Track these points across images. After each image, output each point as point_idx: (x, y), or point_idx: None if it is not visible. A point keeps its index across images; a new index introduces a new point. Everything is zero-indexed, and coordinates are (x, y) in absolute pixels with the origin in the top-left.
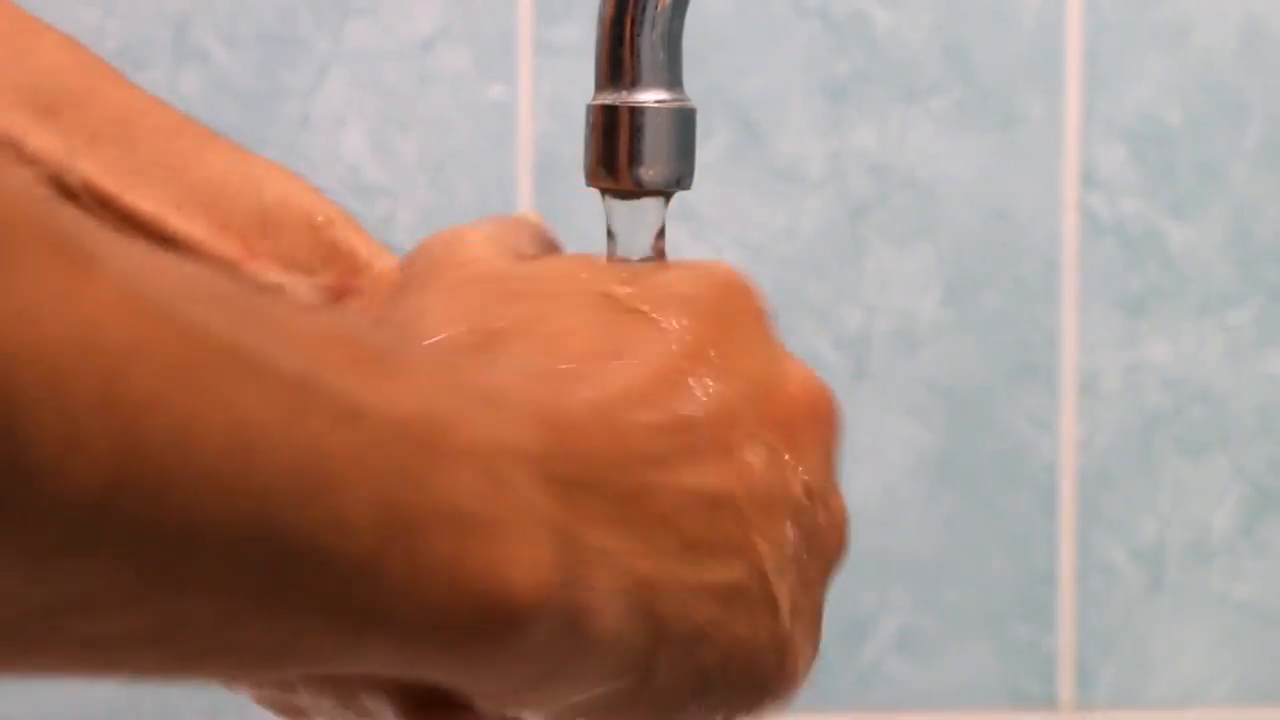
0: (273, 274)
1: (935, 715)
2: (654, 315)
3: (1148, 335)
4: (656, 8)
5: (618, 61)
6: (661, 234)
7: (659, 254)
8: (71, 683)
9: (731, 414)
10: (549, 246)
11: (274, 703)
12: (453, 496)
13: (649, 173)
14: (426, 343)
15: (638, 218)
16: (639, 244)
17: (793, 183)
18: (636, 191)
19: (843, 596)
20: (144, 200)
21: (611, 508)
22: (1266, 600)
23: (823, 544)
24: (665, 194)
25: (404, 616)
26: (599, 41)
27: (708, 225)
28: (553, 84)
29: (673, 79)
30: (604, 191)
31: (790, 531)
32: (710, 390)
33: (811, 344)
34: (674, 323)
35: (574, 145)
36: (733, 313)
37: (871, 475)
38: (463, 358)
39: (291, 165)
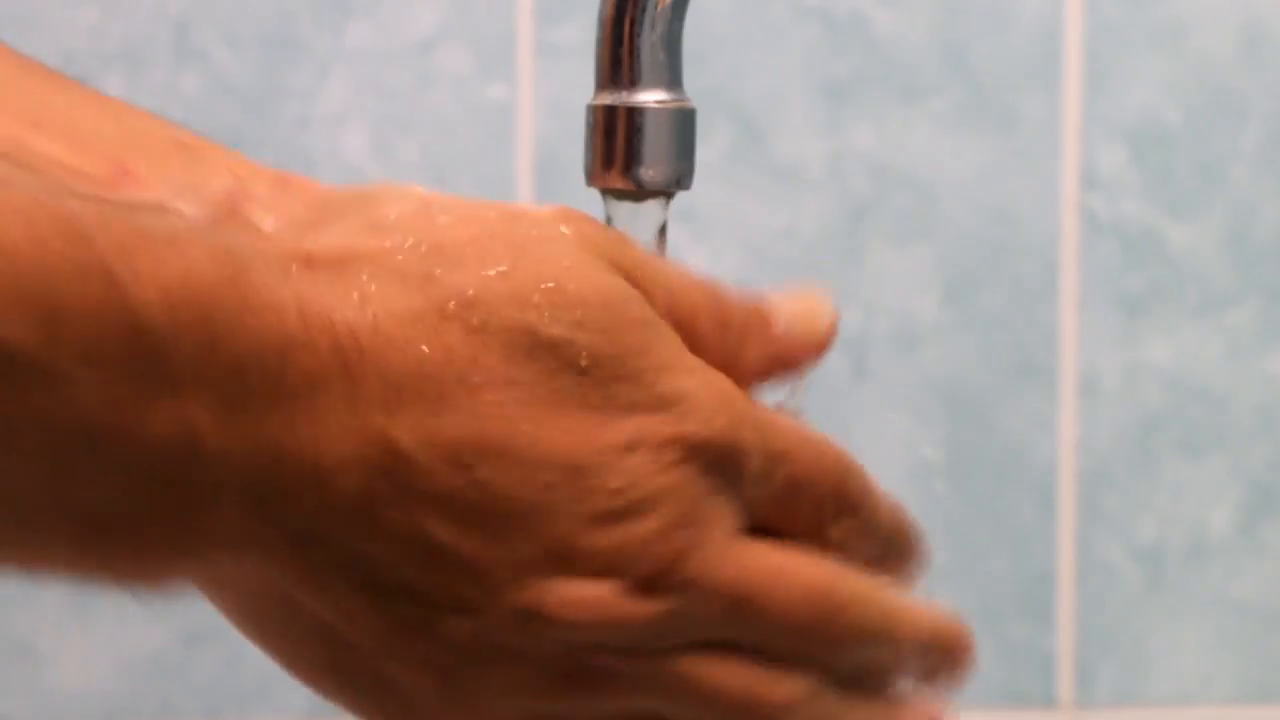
0: (150, 193)
1: None
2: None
3: (1148, 335)
4: (656, 8)
5: (618, 62)
6: (662, 234)
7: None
8: (72, 683)
9: None
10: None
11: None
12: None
13: (649, 173)
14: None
15: (638, 218)
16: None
17: (793, 183)
18: (637, 192)
19: None
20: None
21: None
22: (1266, 600)
23: None
24: (665, 194)
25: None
26: (599, 41)
27: (708, 225)
28: (553, 84)
29: (673, 79)
30: (604, 192)
31: None
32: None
33: None
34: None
35: (574, 145)
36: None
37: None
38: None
39: (291, 166)
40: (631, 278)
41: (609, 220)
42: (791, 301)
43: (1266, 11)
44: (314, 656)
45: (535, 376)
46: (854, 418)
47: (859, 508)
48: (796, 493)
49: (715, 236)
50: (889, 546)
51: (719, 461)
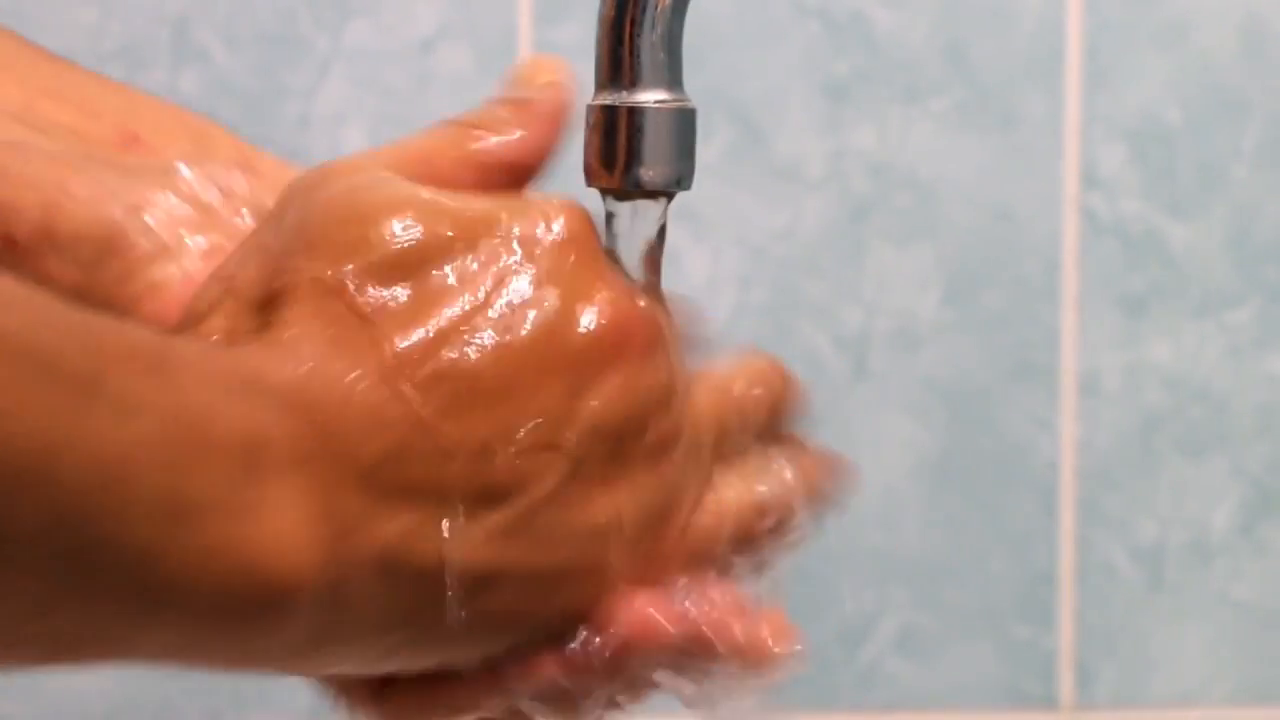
0: (157, 158)
1: (935, 715)
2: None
3: (1148, 335)
4: (656, 8)
5: (618, 61)
6: (662, 234)
7: (657, 257)
8: (72, 683)
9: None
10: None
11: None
12: (214, 487)
13: (649, 173)
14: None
15: (638, 218)
16: (639, 244)
17: (793, 183)
18: (637, 192)
19: (843, 596)
20: (9, 86)
21: (364, 478)
22: (1266, 600)
23: (615, 483)
24: (665, 194)
25: (184, 599)
26: (599, 41)
27: (708, 225)
28: None
29: (673, 79)
30: (604, 192)
31: (563, 468)
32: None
33: (811, 344)
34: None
35: (574, 145)
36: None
37: (871, 475)
38: (232, 350)
39: (291, 166)
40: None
41: (609, 220)
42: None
43: (1267, 11)
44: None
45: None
46: (854, 418)
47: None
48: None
49: (715, 236)
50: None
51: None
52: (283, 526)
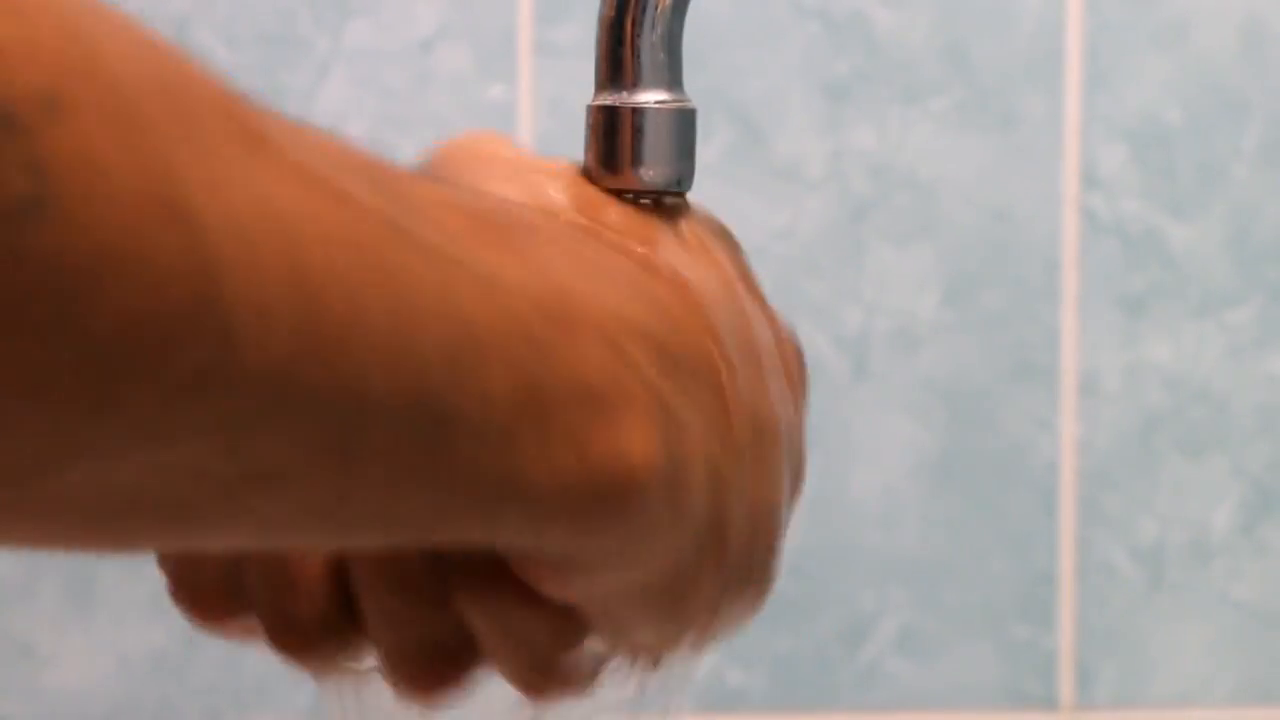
0: None
1: (935, 715)
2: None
3: (1148, 335)
4: (656, 8)
5: (618, 62)
6: None
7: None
8: (72, 683)
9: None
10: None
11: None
12: (580, 369)
13: (649, 173)
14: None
15: None
16: None
17: (793, 183)
18: (637, 192)
19: (843, 596)
20: None
21: (698, 388)
22: (1266, 600)
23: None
24: (665, 194)
25: (536, 486)
26: (599, 42)
27: None
28: (553, 84)
29: (673, 79)
30: (604, 192)
31: (795, 414)
32: (754, 314)
33: (811, 344)
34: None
35: (574, 145)
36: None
37: (871, 475)
38: (574, 232)
39: None
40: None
41: None
42: None
43: (1267, 11)
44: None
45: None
46: (854, 418)
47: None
48: None
49: None
50: None
51: None
52: (645, 417)
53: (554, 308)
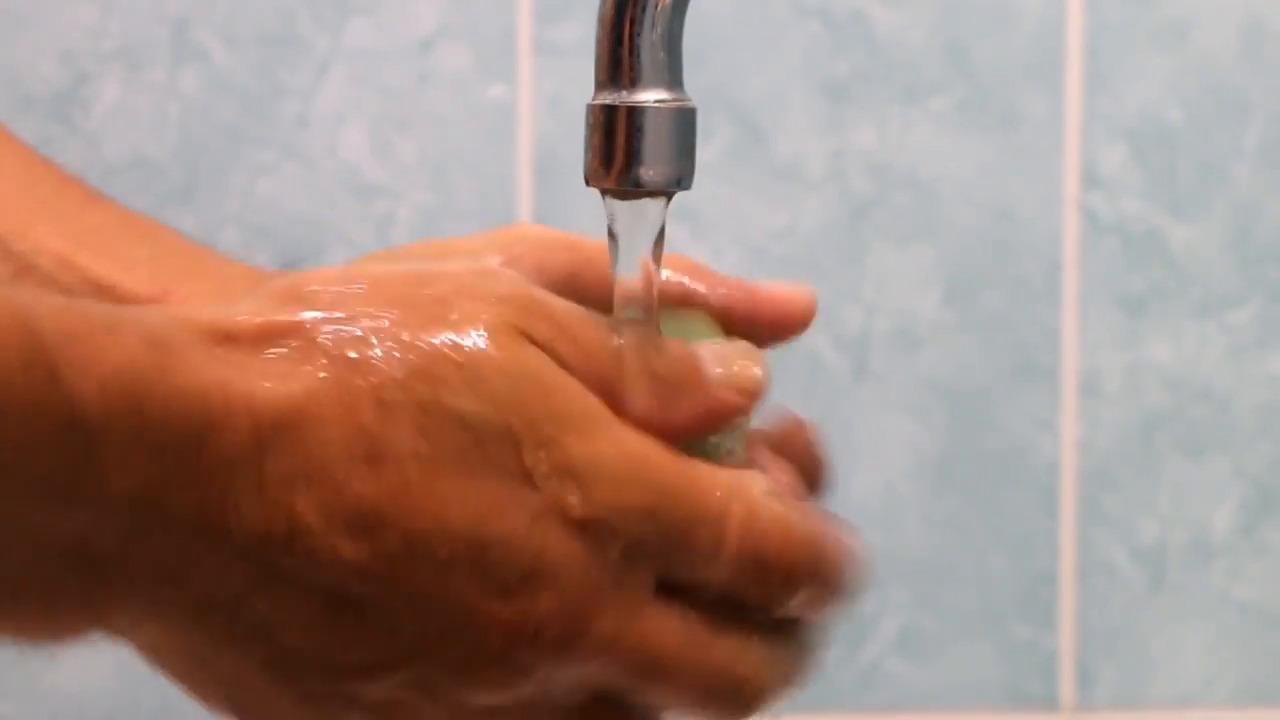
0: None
1: (935, 715)
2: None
3: (1148, 335)
4: (656, 8)
5: (618, 61)
6: (661, 234)
7: (656, 257)
8: (72, 683)
9: None
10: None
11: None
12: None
13: (649, 173)
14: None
15: (638, 218)
16: (639, 244)
17: (793, 183)
18: (637, 192)
19: None
20: (48, 234)
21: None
22: (1267, 601)
23: None
24: (666, 194)
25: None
26: (599, 41)
27: (708, 225)
28: (553, 84)
29: (673, 79)
30: (604, 192)
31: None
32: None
33: (811, 344)
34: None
35: (574, 145)
36: None
37: (871, 475)
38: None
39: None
40: (547, 340)
41: (610, 220)
42: (725, 350)
43: (1267, 10)
44: (220, 700)
45: (443, 450)
46: (854, 418)
47: (824, 582)
48: (750, 569)
49: (715, 236)
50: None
51: (630, 530)
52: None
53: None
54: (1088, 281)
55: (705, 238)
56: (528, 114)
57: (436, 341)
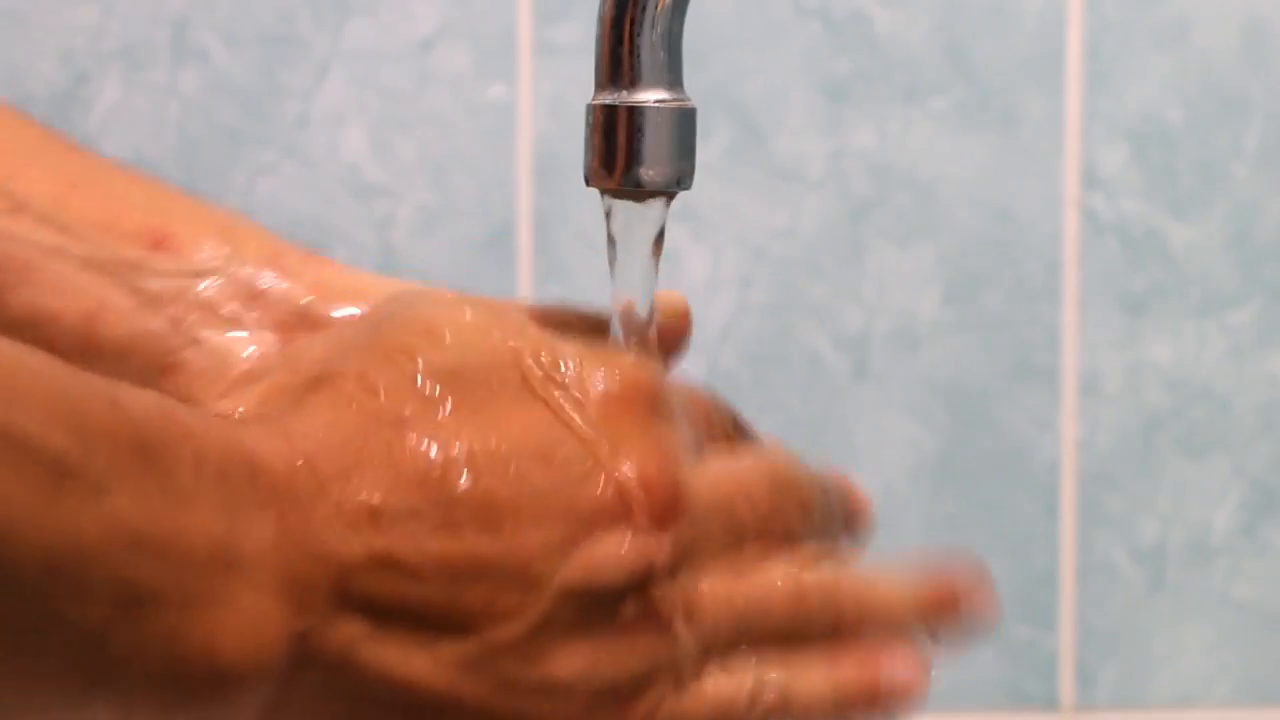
0: (187, 257)
1: (935, 715)
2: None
3: (1149, 335)
4: (656, 8)
5: (618, 61)
6: (661, 235)
7: (656, 258)
8: None
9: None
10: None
11: None
12: (177, 576)
13: (649, 173)
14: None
15: (638, 218)
16: (639, 245)
17: (793, 183)
18: (637, 192)
19: None
20: (39, 179)
21: (335, 581)
22: (1268, 600)
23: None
24: (666, 194)
25: (126, 681)
26: (599, 41)
27: (708, 225)
28: (553, 84)
29: (673, 79)
30: (604, 192)
31: (533, 615)
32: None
33: (812, 344)
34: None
35: (574, 145)
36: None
37: (871, 475)
38: (235, 428)
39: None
40: (496, 314)
41: (609, 218)
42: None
43: (1268, 10)
44: None
45: (465, 400)
46: (854, 418)
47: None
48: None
49: (715, 236)
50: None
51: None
52: (242, 622)
53: (157, 515)
54: (1088, 281)
55: (705, 238)
56: (528, 114)
57: (393, 335)
